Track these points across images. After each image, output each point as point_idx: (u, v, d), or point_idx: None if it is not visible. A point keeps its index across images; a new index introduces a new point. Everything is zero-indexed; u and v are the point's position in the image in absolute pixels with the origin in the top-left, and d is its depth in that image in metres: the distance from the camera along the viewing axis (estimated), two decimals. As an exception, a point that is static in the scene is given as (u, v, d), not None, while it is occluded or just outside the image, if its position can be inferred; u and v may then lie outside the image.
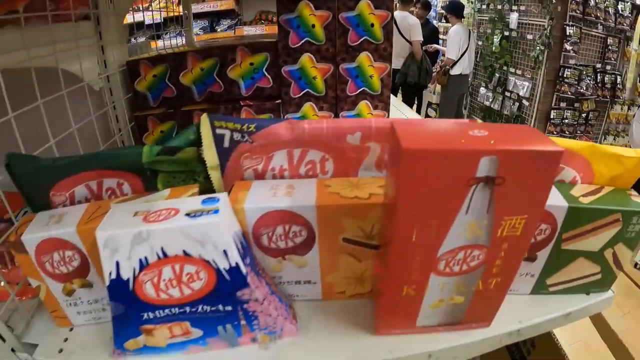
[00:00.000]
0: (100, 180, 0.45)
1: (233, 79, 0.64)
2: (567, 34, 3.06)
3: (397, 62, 3.23)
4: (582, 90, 3.17)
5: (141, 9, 0.75)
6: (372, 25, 0.58)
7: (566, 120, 3.32)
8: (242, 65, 0.62)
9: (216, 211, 0.37)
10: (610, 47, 3.26)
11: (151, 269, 0.37)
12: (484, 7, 3.88)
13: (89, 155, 0.43)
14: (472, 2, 4.03)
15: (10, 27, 0.50)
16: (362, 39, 0.60)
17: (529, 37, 3.30)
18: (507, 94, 3.65)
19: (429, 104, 4.31)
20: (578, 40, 3.11)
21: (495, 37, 3.62)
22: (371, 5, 0.57)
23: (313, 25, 0.58)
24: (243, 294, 0.39)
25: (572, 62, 3.16)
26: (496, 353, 0.65)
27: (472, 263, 0.37)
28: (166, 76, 0.64)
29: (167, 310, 0.40)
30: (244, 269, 0.38)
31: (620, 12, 3.19)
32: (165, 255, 0.37)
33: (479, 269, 0.38)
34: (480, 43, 4.02)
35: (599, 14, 3.12)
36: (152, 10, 0.79)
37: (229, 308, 0.40)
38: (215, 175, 0.45)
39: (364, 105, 0.64)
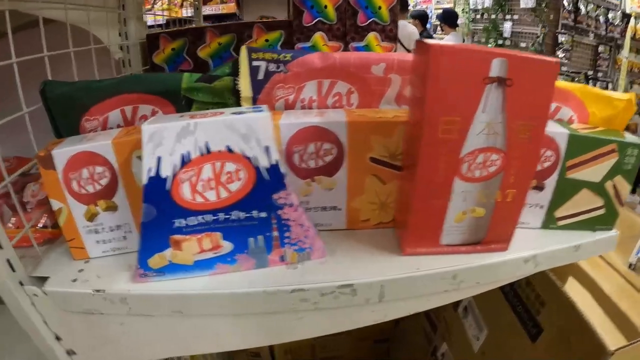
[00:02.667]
0: (136, 105, 0.46)
1: (249, 53, 0.68)
2: (559, 42, 3.19)
3: None
4: (573, 97, 3.35)
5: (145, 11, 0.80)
6: (380, 7, 0.65)
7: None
8: (258, 41, 0.67)
9: (261, 110, 0.39)
10: (601, 55, 3.39)
11: (192, 165, 0.38)
12: (478, 17, 4.05)
13: (130, 76, 0.45)
14: (466, 12, 4.21)
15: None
16: (370, 20, 0.66)
17: (523, 45, 3.42)
18: (502, 101, 3.86)
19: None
20: (570, 48, 3.22)
21: (489, 45, 3.75)
22: (378, -12, 0.64)
23: (325, 6, 0.65)
24: (279, 196, 0.40)
25: (564, 69, 3.24)
26: (504, 317, 0.65)
27: (491, 168, 0.41)
28: (184, 50, 0.68)
29: (200, 217, 0.40)
30: (282, 168, 0.39)
31: (611, 20, 3.34)
32: (208, 151, 0.38)
33: (497, 176, 0.41)
34: None
35: (590, 23, 3.27)
36: (154, 13, 0.84)
37: (264, 214, 0.40)
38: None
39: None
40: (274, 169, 0.39)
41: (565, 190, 0.49)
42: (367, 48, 0.67)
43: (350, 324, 0.46)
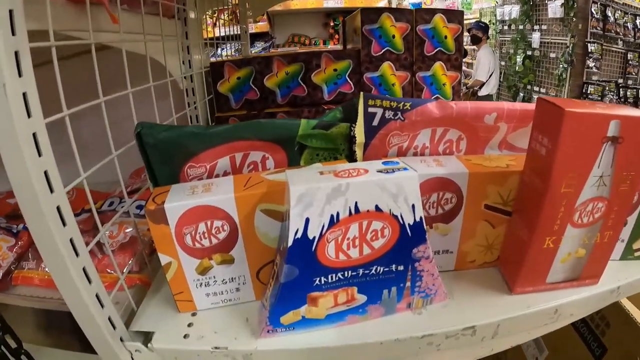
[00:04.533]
0: (247, 152, 0.44)
1: (317, 83, 0.67)
2: (589, 50, 3.11)
3: None
4: (605, 106, 3.35)
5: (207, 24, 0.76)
6: (446, 37, 0.66)
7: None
8: (326, 71, 0.66)
9: (406, 168, 0.39)
10: (630, 62, 3.32)
11: (340, 226, 0.38)
12: (506, 27, 3.91)
13: (242, 124, 0.43)
14: (493, 24, 4.06)
15: (126, 7, 0.49)
16: (436, 50, 0.67)
17: (552, 55, 3.32)
18: (532, 112, 3.86)
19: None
20: (600, 57, 3.15)
21: (518, 56, 3.63)
22: (444, 19, 0.65)
23: (393, 36, 0.65)
24: (419, 250, 0.40)
25: (594, 78, 3.20)
26: (567, 340, 0.69)
27: (596, 215, 0.44)
28: (250, 79, 0.65)
29: (339, 274, 0.39)
30: (425, 225, 0.39)
31: (639, 26, 3.30)
32: (357, 210, 0.37)
33: (600, 221, 0.44)
34: (503, 63, 4.03)
35: (618, 30, 3.21)
36: (214, 25, 0.80)
37: (401, 267, 0.41)
38: (359, 153, 0.47)
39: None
40: (417, 225, 0.39)
41: None
42: (433, 77, 0.68)
43: (457, 358, 0.48)
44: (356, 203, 0.37)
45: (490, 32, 4.00)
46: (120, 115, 0.47)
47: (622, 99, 3.26)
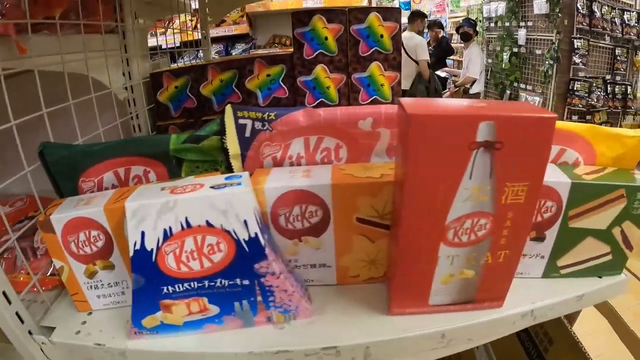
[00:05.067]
0: (128, 167, 0.48)
1: (251, 89, 0.68)
2: (575, 46, 3.08)
3: (405, 83, 3.25)
4: (593, 103, 3.18)
5: (158, 34, 0.81)
6: (382, 36, 0.63)
7: (578, 134, 3.40)
8: (260, 76, 0.67)
9: (239, 184, 0.39)
10: (618, 58, 3.28)
11: (174, 239, 0.39)
12: (492, 25, 3.95)
13: (120, 141, 0.46)
14: (480, 21, 4.12)
15: (47, 32, 0.55)
16: (372, 50, 0.64)
17: (538, 52, 3.33)
18: (519, 109, 3.79)
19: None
20: (586, 53, 3.12)
21: (504, 54, 3.67)
22: (380, 17, 0.62)
23: (326, 38, 0.63)
24: (261, 266, 0.40)
25: (581, 74, 3.16)
26: (512, 351, 0.64)
27: (479, 233, 0.39)
28: (187, 87, 0.68)
29: (186, 284, 0.41)
30: (262, 240, 0.39)
31: (627, 21, 3.23)
32: (189, 225, 0.39)
33: (487, 239, 0.39)
34: (489, 61, 4.06)
35: (605, 25, 3.16)
36: (166, 35, 0.85)
37: (246, 282, 0.41)
38: (236, 165, 0.47)
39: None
40: (252, 241, 0.39)
41: (568, 239, 0.47)
42: (370, 78, 0.65)
43: None
44: (187, 218, 0.38)
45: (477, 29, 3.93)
46: (69, 130, 0.53)
47: (610, 95, 3.24)
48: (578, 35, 3.09)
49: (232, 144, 0.46)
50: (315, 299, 0.47)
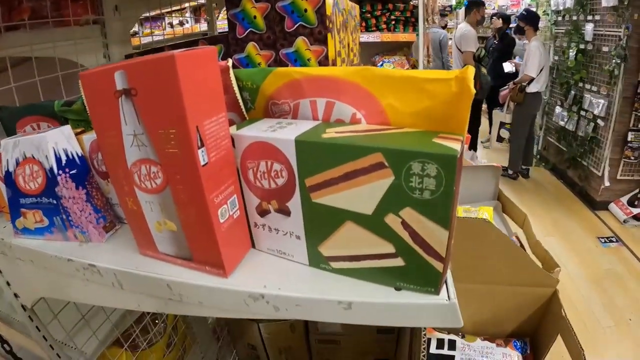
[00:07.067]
0: (38, 123, 0.71)
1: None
2: None
3: None
4: (663, 108, 2.54)
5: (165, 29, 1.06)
6: (306, 10, 0.65)
7: (647, 144, 2.75)
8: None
9: (49, 130, 0.57)
10: None
11: (20, 166, 0.59)
12: (560, 19, 3.47)
13: (30, 104, 0.70)
14: (547, 14, 3.65)
15: (23, 30, 0.83)
16: (297, 25, 0.67)
17: (605, 49, 2.82)
18: (583, 112, 3.18)
19: (502, 124, 3.89)
20: None
21: (570, 50, 3.20)
22: (302, -9, 0.65)
23: (255, 17, 0.69)
24: (58, 189, 0.57)
25: None
26: None
27: (157, 181, 0.45)
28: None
29: (29, 199, 0.61)
30: (56, 170, 0.56)
31: None
32: (25, 157, 0.58)
33: (166, 189, 0.45)
34: (556, 58, 3.62)
35: None
36: (173, 28, 1.09)
37: (54, 201, 0.59)
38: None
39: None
40: (51, 170, 0.57)
41: (319, 219, 0.40)
42: (296, 53, 0.69)
43: (113, 300, 0.59)
44: (24, 152, 0.59)
45: (543, 23, 3.47)
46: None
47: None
48: (649, 32, 2.43)
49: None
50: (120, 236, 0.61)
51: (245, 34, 0.71)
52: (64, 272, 0.60)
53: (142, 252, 0.55)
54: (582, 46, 3.09)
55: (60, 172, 0.57)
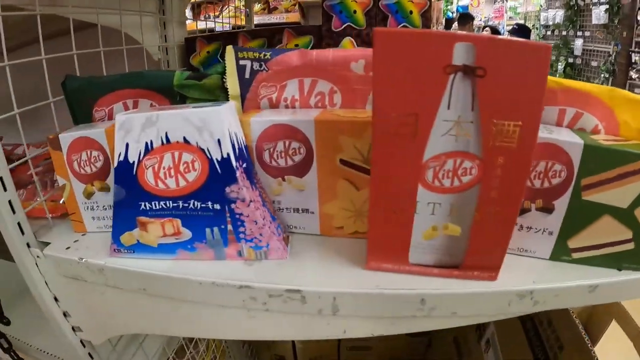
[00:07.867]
0: (136, 99, 0.51)
1: (277, 57, 0.70)
2: (633, 61, 2.89)
3: None
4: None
5: (212, 17, 0.88)
6: (411, 12, 0.62)
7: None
8: (288, 45, 0.69)
9: (221, 104, 0.39)
10: None
11: (154, 154, 0.40)
12: (549, 33, 3.86)
13: (130, 73, 0.49)
14: (537, 28, 4.04)
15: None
16: (400, 25, 0.64)
17: (594, 64, 3.21)
18: (571, 126, 3.64)
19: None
20: None
21: (559, 64, 3.58)
22: (410, -7, 0.62)
23: (355, 11, 0.64)
24: (231, 190, 0.40)
25: (637, 91, 2.90)
26: (522, 356, 0.56)
27: (464, 178, 0.35)
28: (218, 52, 0.72)
29: (162, 203, 0.42)
30: (234, 163, 0.39)
31: None
32: (168, 140, 0.40)
33: (474, 188, 0.36)
34: None
35: None
36: (214, 20, 0.92)
37: (217, 207, 0.41)
38: (236, 105, 0.48)
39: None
40: (225, 161, 0.39)
41: (581, 215, 0.40)
42: None
43: (303, 332, 0.44)
44: (166, 133, 0.40)
45: (532, 36, 3.76)
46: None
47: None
48: (637, 49, 2.86)
49: (232, 84, 0.47)
50: (294, 245, 0.46)
51: (342, 27, 0.66)
52: (213, 303, 0.43)
53: (371, 266, 0.41)
54: (570, 60, 3.40)
55: (238, 165, 0.39)
